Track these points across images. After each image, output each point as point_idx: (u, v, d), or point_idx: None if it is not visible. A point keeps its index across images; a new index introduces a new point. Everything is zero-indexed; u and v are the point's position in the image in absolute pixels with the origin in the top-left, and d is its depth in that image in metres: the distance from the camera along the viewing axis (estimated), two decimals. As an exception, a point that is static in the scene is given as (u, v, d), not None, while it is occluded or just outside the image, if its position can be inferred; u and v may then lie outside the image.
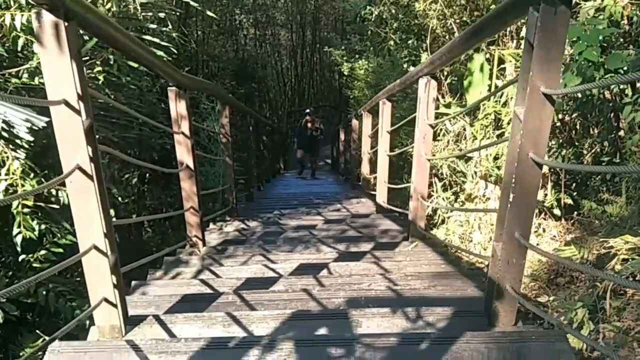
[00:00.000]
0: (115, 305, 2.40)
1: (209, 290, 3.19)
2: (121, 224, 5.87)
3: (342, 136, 12.44)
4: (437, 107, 6.68)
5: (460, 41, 2.93)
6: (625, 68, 3.71)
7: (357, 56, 13.70)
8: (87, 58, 4.15)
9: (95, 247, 2.27)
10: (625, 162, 4.67)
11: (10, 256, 4.24)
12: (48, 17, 1.92)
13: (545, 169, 5.44)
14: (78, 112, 2.07)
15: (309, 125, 12.66)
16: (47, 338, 2.95)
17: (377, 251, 4.12)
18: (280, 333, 2.47)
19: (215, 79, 14.20)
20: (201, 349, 2.21)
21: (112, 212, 4.97)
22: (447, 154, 5.51)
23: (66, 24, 1.96)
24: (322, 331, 2.49)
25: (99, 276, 2.33)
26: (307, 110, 13.20)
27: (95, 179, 2.19)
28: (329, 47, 16.33)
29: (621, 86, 4.56)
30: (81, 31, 2.27)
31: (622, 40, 4.62)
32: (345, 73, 13.92)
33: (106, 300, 2.37)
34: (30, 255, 4.04)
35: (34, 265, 4.07)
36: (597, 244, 4.26)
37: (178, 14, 10.16)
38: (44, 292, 3.99)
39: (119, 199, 5.24)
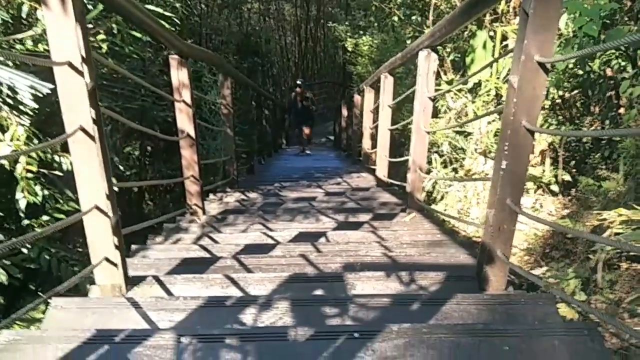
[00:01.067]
0: (116, 265, 2.46)
1: (207, 255, 3.26)
2: (122, 191, 5.92)
3: (344, 112, 12.44)
4: (439, 84, 6.72)
5: (460, 13, 2.96)
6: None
7: (361, 32, 13.62)
8: (91, 27, 4.16)
9: (97, 208, 2.32)
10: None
11: (14, 222, 4.30)
12: (52, -21, 1.96)
13: (544, 145, 5.48)
14: (81, 74, 2.11)
15: (299, 98, 12.25)
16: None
17: (375, 221, 4.19)
18: (277, 294, 2.53)
19: (218, 53, 14.14)
20: (199, 307, 2.28)
21: (113, 180, 5.08)
22: (445, 126, 5.53)
23: (70, -15, 1.99)
24: (318, 293, 2.56)
25: (100, 236, 2.39)
26: (298, 82, 12.76)
27: (97, 140, 2.24)
28: (333, 23, 16.21)
29: (622, 62, 4.58)
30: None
31: (625, 16, 4.62)
32: (349, 49, 13.84)
33: (107, 259, 2.43)
34: (33, 221, 4.10)
35: (37, 230, 4.14)
36: (592, 217, 4.33)
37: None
38: (47, 258, 4.05)
39: (120, 168, 5.27)
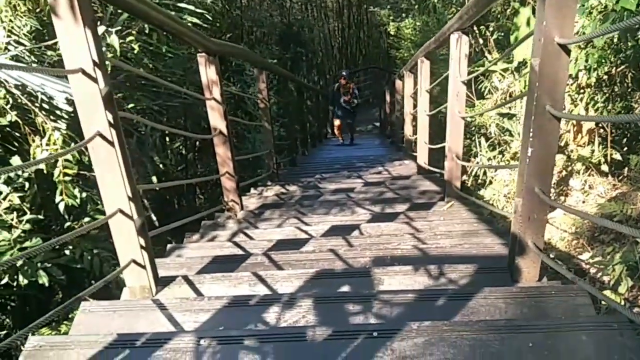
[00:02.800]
0: (144, 267, 2.49)
1: (240, 252, 3.27)
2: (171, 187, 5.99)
3: (387, 98, 12.30)
4: (483, 64, 6.55)
5: (484, -7, 2.85)
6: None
7: (403, 15, 13.44)
8: (120, 28, 4.21)
9: (121, 211, 2.35)
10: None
11: (57, 224, 4.43)
12: (61, -13, 1.97)
13: (591, 124, 5.27)
14: (95, 80, 2.13)
15: (342, 90, 11.45)
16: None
17: (411, 212, 4.12)
18: (302, 291, 2.52)
19: (261, 45, 14.18)
20: (223, 307, 2.29)
21: (154, 179, 5.17)
22: (481, 110, 5.38)
23: (79, -7, 2.00)
24: (344, 289, 2.53)
25: (125, 239, 2.42)
26: (343, 73, 11.85)
27: (117, 144, 2.26)
28: (375, 7, 16.04)
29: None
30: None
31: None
32: (392, 33, 13.68)
33: (135, 262, 2.46)
34: (75, 223, 4.21)
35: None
36: (640, 199, 4.14)
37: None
38: (89, 258, 4.15)
39: (161, 166, 5.35)
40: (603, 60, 4.82)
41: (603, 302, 3.39)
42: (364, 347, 1.86)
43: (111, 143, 2.24)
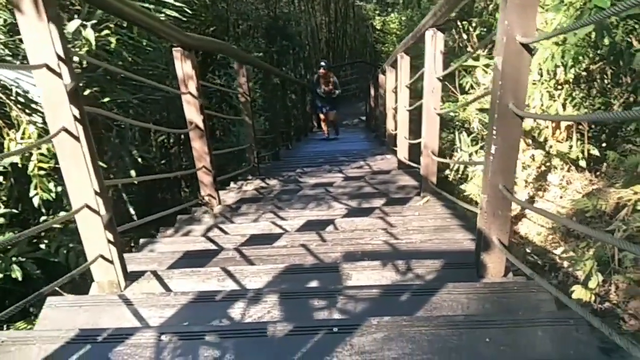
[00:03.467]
0: (111, 262, 2.49)
1: (212, 247, 3.27)
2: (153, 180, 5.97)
3: (372, 92, 12.30)
4: (466, 60, 6.58)
5: (454, -10, 2.87)
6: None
7: (389, 9, 13.46)
8: (96, 22, 4.19)
9: (87, 206, 2.35)
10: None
11: (35, 218, 4.41)
12: (22, -18, 1.96)
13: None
14: (60, 75, 2.12)
15: (322, 80, 11.27)
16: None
17: (387, 207, 4.14)
18: (271, 287, 2.53)
19: (247, 38, 14.12)
20: (189, 302, 2.30)
21: (133, 173, 5.15)
22: (453, 107, 5.40)
23: (41, -14, 1.99)
24: (313, 284, 2.54)
25: (93, 234, 2.42)
26: (322, 63, 11.65)
27: (83, 140, 2.25)
28: (360, 1, 16.05)
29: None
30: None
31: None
32: (378, 27, 13.69)
33: (102, 257, 2.46)
34: (51, 217, 4.19)
35: (55, 226, 4.23)
36: (614, 195, 4.18)
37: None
38: (65, 252, 4.14)
39: (139, 160, 5.33)
40: (580, 57, 4.85)
41: (581, 295, 3.45)
42: (324, 343, 1.88)
43: (77, 138, 2.23)
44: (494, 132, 2.17)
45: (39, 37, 2.06)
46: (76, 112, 2.21)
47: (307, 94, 14.48)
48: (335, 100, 11.66)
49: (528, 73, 2.09)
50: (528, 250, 4.68)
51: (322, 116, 11.85)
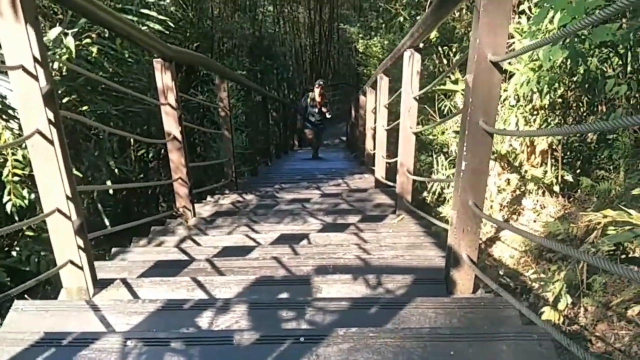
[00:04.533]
0: (81, 268, 2.47)
1: (184, 258, 3.26)
2: (134, 192, 5.93)
3: (353, 113, 12.40)
4: (445, 83, 6.68)
5: (431, 12, 2.93)
6: (612, 40, 3.66)
7: (372, 33, 13.59)
8: (78, 31, 4.20)
9: (59, 210, 2.33)
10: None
11: (5, 225, 4.35)
12: (1, -16, 1.97)
13: (544, 145, 5.40)
14: (36, 78, 2.12)
15: (318, 99, 10.80)
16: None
17: (362, 223, 4.17)
18: (240, 297, 2.53)
19: (231, 56, 14.20)
20: (157, 310, 2.28)
21: (109, 184, 5.12)
22: (429, 126, 5.48)
23: (21, -10, 2.01)
24: (283, 296, 2.54)
25: (63, 239, 2.40)
26: (320, 82, 11.11)
27: (56, 143, 2.25)
28: (344, 25, 16.21)
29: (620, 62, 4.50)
30: None
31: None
32: (360, 50, 13.80)
33: (72, 262, 2.45)
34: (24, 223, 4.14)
35: (27, 233, 4.19)
36: (585, 218, 4.25)
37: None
38: (36, 260, 4.09)
39: (116, 171, 5.31)
40: (555, 84, 4.95)
41: (550, 317, 3.48)
42: (290, 352, 1.88)
43: (50, 141, 2.23)
44: (464, 148, 2.21)
45: (16, 38, 2.06)
46: (51, 116, 2.21)
47: (289, 113, 14.54)
48: (324, 123, 11.41)
49: (498, 91, 2.14)
50: (501, 273, 4.72)
51: (310, 135, 11.52)
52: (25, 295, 4.12)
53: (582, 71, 4.77)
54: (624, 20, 4.21)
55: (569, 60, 4.51)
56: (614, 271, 1.34)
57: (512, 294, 4.27)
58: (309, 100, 11.14)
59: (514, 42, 4.84)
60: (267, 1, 20.07)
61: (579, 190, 5.19)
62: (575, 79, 5.08)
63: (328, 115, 11.10)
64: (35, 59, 2.11)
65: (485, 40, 2.02)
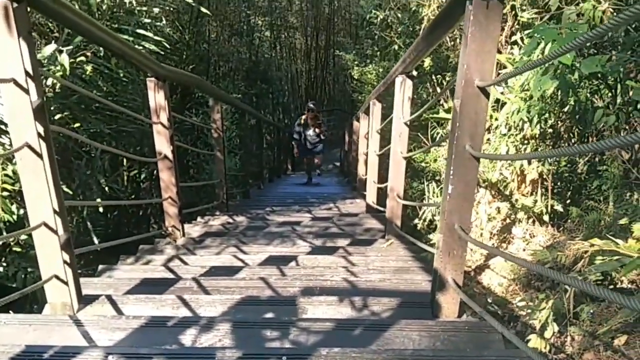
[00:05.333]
0: (66, 283, 2.46)
1: (171, 276, 3.25)
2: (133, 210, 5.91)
3: (346, 138, 12.46)
4: (438, 112, 6.74)
5: (422, 39, 2.98)
6: (601, 72, 3.71)
7: (368, 60, 13.72)
8: (72, 48, 4.23)
9: (45, 224, 2.33)
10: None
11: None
12: (-4, -2, 2.00)
13: (534, 174, 5.43)
14: (27, 91, 2.14)
15: (310, 122, 10.66)
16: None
17: (351, 247, 4.17)
18: (225, 316, 2.52)
19: (227, 79, 14.30)
20: (140, 326, 2.27)
21: (98, 200, 5.12)
22: (419, 151, 5.51)
23: (15, 5, 2.03)
24: (268, 316, 2.53)
25: (49, 253, 2.40)
26: (311, 105, 10.96)
27: (45, 157, 2.26)
28: (341, 52, 16.37)
29: (609, 93, 4.56)
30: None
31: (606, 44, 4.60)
32: (356, 77, 13.92)
33: (57, 277, 2.43)
34: (11, 240, 4.12)
35: (15, 249, 4.17)
36: (573, 247, 4.26)
37: (189, 15, 10.30)
38: (23, 277, 4.07)
39: (107, 189, 5.31)
40: (546, 114, 5.00)
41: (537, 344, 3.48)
42: (272, 370, 1.87)
43: (39, 155, 2.24)
44: (451, 172, 2.23)
45: (9, 51, 2.09)
46: (41, 129, 2.22)
47: (283, 137, 14.60)
48: (322, 143, 11.16)
49: (485, 115, 2.16)
50: (489, 300, 4.71)
51: (305, 160, 11.41)
52: (10, 311, 4.10)
53: (572, 102, 4.83)
54: (613, 52, 4.29)
55: (559, 91, 4.58)
56: (605, 297, 1.35)
57: (499, 321, 4.27)
58: (301, 121, 10.95)
59: (506, 73, 4.90)
60: (265, 26, 20.26)
61: (569, 220, 5.21)
62: (566, 109, 5.14)
63: (322, 137, 10.92)
64: (27, 73, 2.13)
65: (472, 66, 2.05)
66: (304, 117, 10.92)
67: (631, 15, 1.13)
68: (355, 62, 13.95)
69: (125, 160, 7.28)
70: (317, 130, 10.76)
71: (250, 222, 5.58)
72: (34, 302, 4.35)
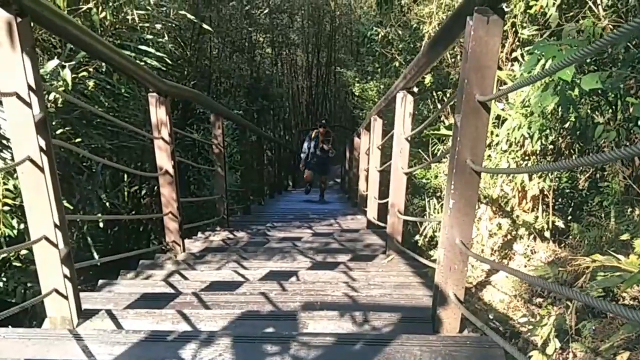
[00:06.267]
0: (66, 297, 2.45)
1: (171, 291, 3.24)
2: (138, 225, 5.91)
3: (347, 154, 12.49)
4: (438, 129, 6.76)
5: (423, 54, 3.00)
6: (601, 88, 3.73)
7: (369, 77, 13.79)
8: (75, 63, 4.25)
9: (46, 238, 2.33)
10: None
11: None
12: (0, 13, 2.01)
13: (535, 190, 5.43)
14: (29, 105, 2.15)
15: (321, 137, 10.70)
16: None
17: (352, 262, 4.16)
18: (225, 331, 2.50)
19: (228, 95, 14.36)
20: (140, 341, 2.26)
21: (99, 215, 5.12)
22: (420, 166, 5.52)
23: (19, 19, 2.05)
24: (269, 331, 2.52)
25: (49, 267, 2.39)
26: (323, 121, 11.23)
27: (47, 171, 2.26)
28: (342, 68, 16.47)
29: (610, 110, 4.58)
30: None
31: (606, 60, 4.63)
32: (357, 94, 13.98)
33: (57, 291, 2.43)
34: (11, 255, 4.12)
35: (15, 263, 4.16)
36: (574, 263, 4.25)
37: (191, 31, 10.38)
38: (22, 291, 4.06)
39: (107, 204, 5.31)
40: (546, 129, 5.02)
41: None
42: (272, 385, 1.86)
43: (41, 169, 2.24)
44: (452, 187, 2.23)
45: (11, 65, 2.10)
46: (42, 143, 2.23)
47: (284, 153, 14.63)
48: (329, 161, 11.16)
49: (486, 130, 2.17)
50: (491, 316, 4.69)
51: (307, 173, 11.30)
52: (9, 326, 4.09)
53: (573, 118, 4.85)
54: (613, 69, 4.31)
55: (560, 107, 4.60)
56: (609, 310, 1.34)
57: (501, 337, 4.25)
58: (312, 135, 11.00)
59: (506, 87, 4.91)
60: (266, 43, 20.39)
61: (570, 236, 5.21)
62: (566, 125, 5.16)
63: (330, 153, 10.85)
64: (29, 87, 2.14)
65: (473, 81, 2.06)
66: (315, 132, 10.97)
67: (630, 29, 1.14)
68: (356, 79, 14.02)
69: (126, 176, 7.30)
70: (325, 146, 10.74)
71: (250, 238, 5.57)
72: (32, 318, 4.34)
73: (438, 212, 6.45)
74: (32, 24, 2.16)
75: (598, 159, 1.33)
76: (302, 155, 11.32)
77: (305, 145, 11.16)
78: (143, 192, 8.86)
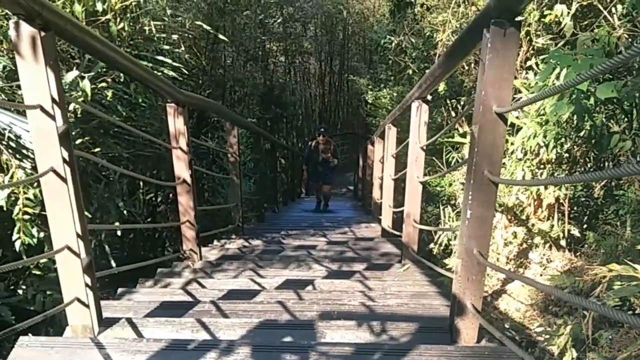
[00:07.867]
0: (87, 306, 2.49)
1: (189, 299, 3.27)
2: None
3: (360, 162, 12.50)
4: (453, 137, 6.77)
5: (438, 65, 3.02)
6: (617, 97, 3.73)
7: (382, 85, 13.81)
8: (94, 74, 4.31)
9: (68, 248, 2.37)
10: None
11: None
12: (25, 27, 2.05)
13: (551, 199, 5.42)
14: (53, 117, 2.19)
15: (321, 147, 10.37)
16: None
17: (367, 271, 4.17)
18: (244, 340, 2.53)
19: (242, 104, 14.44)
20: (161, 350, 2.29)
21: (117, 224, 5.17)
22: (436, 175, 5.52)
23: (43, 34, 2.09)
24: (287, 340, 2.54)
25: (71, 276, 2.43)
26: (322, 129, 10.89)
27: (70, 182, 2.30)
28: (355, 76, 16.50)
29: (625, 118, 4.57)
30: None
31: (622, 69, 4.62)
32: (370, 101, 14.00)
33: (78, 300, 2.46)
34: (31, 263, 4.17)
35: (34, 272, 4.21)
36: (591, 272, 4.24)
37: (205, 41, 10.47)
38: (42, 299, 4.10)
39: (125, 212, 5.37)
40: (562, 138, 5.01)
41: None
42: (292, 394, 1.88)
43: (64, 180, 2.28)
44: (470, 197, 2.25)
45: (36, 79, 2.14)
46: (65, 155, 2.27)
47: (297, 161, 14.66)
48: (333, 171, 10.75)
49: (503, 141, 2.18)
50: (507, 326, 4.68)
51: (325, 189, 10.86)
52: (29, 334, 4.13)
53: (588, 127, 4.84)
54: (629, 77, 4.30)
55: (575, 116, 4.59)
56: (627, 321, 1.34)
57: (517, 346, 4.23)
58: (312, 146, 10.67)
59: (521, 97, 4.92)
60: (279, 52, 20.49)
61: (586, 245, 5.18)
62: (582, 134, 5.15)
63: (332, 164, 10.53)
64: (53, 100, 2.18)
65: (490, 92, 2.08)
66: (314, 142, 10.66)
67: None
68: (369, 87, 14.04)
69: (142, 184, 7.36)
70: (324, 155, 10.42)
71: (266, 246, 5.61)
72: (49, 325, 4.39)
73: (453, 221, 6.44)
74: (55, 38, 2.21)
75: (615, 173, 1.34)
76: (304, 168, 11.08)
77: (306, 156, 10.95)
78: (158, 199, 8.94)
